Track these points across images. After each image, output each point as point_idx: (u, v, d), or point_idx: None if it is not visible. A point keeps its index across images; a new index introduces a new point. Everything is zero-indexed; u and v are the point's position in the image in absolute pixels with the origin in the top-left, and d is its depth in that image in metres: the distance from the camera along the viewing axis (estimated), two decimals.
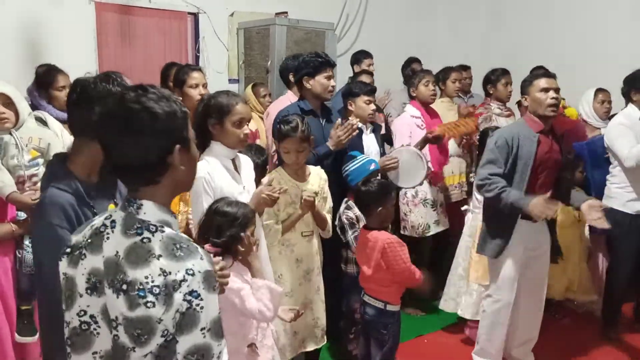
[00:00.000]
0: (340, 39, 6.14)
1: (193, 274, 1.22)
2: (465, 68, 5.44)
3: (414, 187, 3.92)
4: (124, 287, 1.22)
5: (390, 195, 2.86)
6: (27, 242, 2.54)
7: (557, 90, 3.09)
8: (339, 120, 3.29)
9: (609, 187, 3.75)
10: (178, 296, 1.20)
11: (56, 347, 1.62)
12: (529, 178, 3.04)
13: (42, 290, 1.70)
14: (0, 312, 2.52)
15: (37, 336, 2.50)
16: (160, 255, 1.23)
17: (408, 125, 4.08)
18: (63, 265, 1.38)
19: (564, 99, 3.84)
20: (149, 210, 1.30)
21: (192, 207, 2.46)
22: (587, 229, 4.08)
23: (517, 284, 3.21)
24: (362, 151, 3.51)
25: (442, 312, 4.22)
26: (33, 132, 2.60)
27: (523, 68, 4.27)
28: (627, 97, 3.75)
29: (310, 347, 3.04)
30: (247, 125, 2.50)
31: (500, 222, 3.12)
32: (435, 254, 4.38)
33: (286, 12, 5.34)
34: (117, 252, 1.26)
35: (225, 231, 2.12)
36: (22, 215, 2.53)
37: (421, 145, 3.85)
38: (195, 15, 5.40)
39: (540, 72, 3.21)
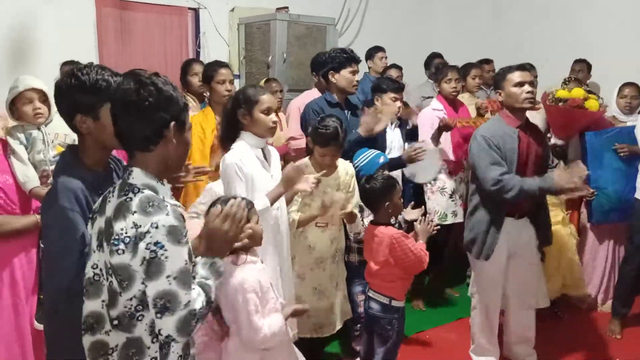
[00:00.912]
0: (341, 34, 6.12)
1: (157, 227, 1.43)
2: (487, 62, 5.44)
3: (425, 183, 3.98)
4: (109, 238, 1.47)
5: (395, 189, 2.84)
6: None
7: (531, 83, 3.02)
8: (366, 108, 3.43)
9: (638, 180, 3.73)
10: (142, 245, 1.43)
11: (59, 336, 1.70)
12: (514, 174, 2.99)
13: (49, 276, 1.75)
14: (22, 301, 2.60)
15: None
16: (135, 212, 1.45)
17: (430, 118, 4.09)
18: (89, 228, 1.61)
19: (592, 93, 3.82)
20: (137, 175, 1.53)
21: (225, 192, 2.54)
22: (585, 216, 4.07)
23: (505, 284, 3.19)
24: (384, 145, 3.64)
25: (444, 308, 4.23)
26: (59, 129, 2.63)
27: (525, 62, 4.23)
28: None
29: (326, 333, 3.14)
30: (275, 114, 2.66)
31: (487, 222, 3.07)
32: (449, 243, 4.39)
33: (287, 7, 5.32)
34: (112, 211, 1.50)
35: None
36: None
37: (436, 135, 3.89)
38: (195, 11, 5.39)
39: (513, 65, 3.08)
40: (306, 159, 3.09)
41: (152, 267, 1.42)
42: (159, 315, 1.45)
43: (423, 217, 2.89)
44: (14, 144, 2.58)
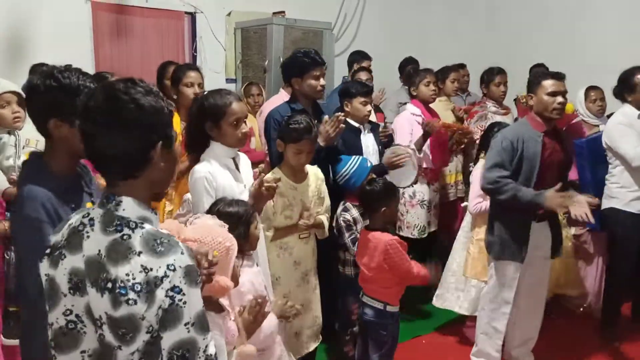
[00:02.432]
0: (337, 38, 6.13)
1: (174, 269, 1.21)
2: (462, 66, 5.43)
3: (404, 188, 3.89)
4: (109, 285, 1.21)
5: (395, 196, 2.85)
6: None
7: (564, 93, 3.04)
8: (326, 116, 3.25)
9: (609, 187, 3.72)
10: (160, 292, 1.20)
11: (37, 347, 1.61)
12: (535, 179, 3.02)
13: (23, 289, 1.67)
14: None
15: None
16: (140, 252, 1.22)
17: (409, 122, 4.07)
18: (44, 267, 1.35)
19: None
20: (128, 207, 1.28)
21: (193, 207, 2.44)
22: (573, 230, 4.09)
23: (517, 284, 3.20)
24: (360, 151, 3.48)
25: (440, 312, 4.21)
26: (31, 134, 2.56)
27: (519, 67, 4.25)
28: (621, 97, 3.74)
29: (312, 347, 3.04)
30: (245, 123, 2.47)
31: (513, 225, 3.10)
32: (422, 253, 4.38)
33: (283, 12, 5.33)
34: (99, 250, 1.25)
35: (232, 232, 2.10)
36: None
37: (421, 142, 3.87)
38: (192, 15, 5.39)
39: (548, 72, 3.11)
40: (276, 173, 2.90)
41: (169, 315, 1.21)
42: None
43: None
44: None
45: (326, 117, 3.24)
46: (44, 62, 3.73)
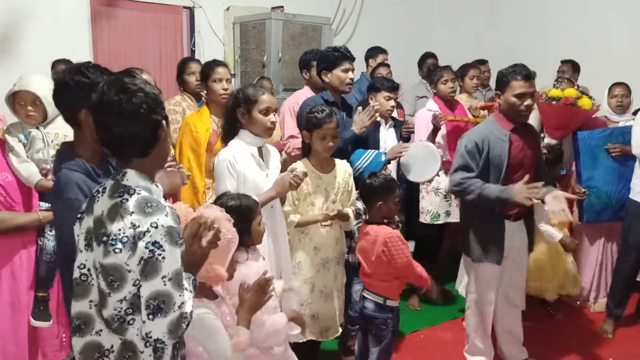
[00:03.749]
0: (336, 33, 6.13)
1: (156, 227, 1.42)
2: (482, 62, 5.46)
3: (423, 183, 4.00)
4: (104, 238, 1.45)
5: (393, 192, 2.83)
6: (48, 230, 2.64)
7: (532, 94, 2.98)
8: (360, 107, 3.40)
9: (634, 182, 3.76)
10: (141, 244, 1.41)
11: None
12: (505, 178, 3.01)
13: (66, 270, 1.79)
14: (20, 298, 2.63)
15: (50, 322, 2.65)
16: (132, 212, 1.44)
17: (425, 119, 4.12)
18: (77, 229, 1.61)
19: (584, 93, 3.84)
20: (131, 177, 1.52)
21: (216, 189, 2.57)
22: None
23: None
24: (377, 145, 3.63)
25: (438, 307, 4.24)
26: (60, 129, 2.66)
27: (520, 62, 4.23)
28: None
29: (332, 336, 3.13)
30: (274, 115, 2.66)
31: (486, 225, 3.11)
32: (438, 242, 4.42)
33: (282, 7, 5.32)
34: (102, 211, 1.49)
35: (234, 226, 2.10)
36: (45, 205, 2.62)
37: (431, 136, 3.96)
38: (190, 10, 5.37)
39: (519, 70, 2.97)
40: (301, 164, 2.99)
41: (149, 267, 1.41)
42: (150, 317, 1.43)
43: None
44: (12, 142, 2.59)
45: (360, 107, 3.41)
46: (43, 56, 3.75)
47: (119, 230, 1.43)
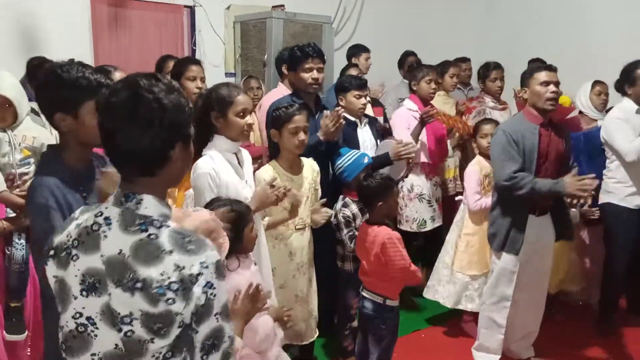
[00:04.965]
0: (337, 32, 6.11)
1: (207, 267, 1.23)
2: (464, 60, 5.42)
3: (402, 180, 3.92)
4: (138, 285, 1.21)
5: (392, 190, 2.83)
6: (16, 239, 2.53)
7: (557, 83, 3.07)
8: (327, 111, 3.26)
9: (606, 182, 3.73)
10: (197, 290, 1.22)
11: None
12: (535, 172, 3.04)
13: (40, 276, 1.75)
14: None
15: (25, 334, 2.53)
16: (171, 251, 1.22)
17: (406, 118, 4.07)
18: (51, 269, 1.34)
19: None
20: (150, 205, 1.28)
21: (195, 203, 2.43)
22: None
23: (518, 278, 3.22)
24: (357, 145, 3.49)
25: (439, 306, 4.22)
26: (28, 131, 2.59)
27: (519, 61, 4.26)
28: (622, 91, 3.74)
29: (308, 340, 3.04)
30: (250, 115, 2.50)
31: (510, 217, 3.13)
32: (428, 249, 4.36)
33: (283, 6, 5.30)
34: (121, 250, 1.24)
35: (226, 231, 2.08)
36: (12, 212, 2.53)
37: (417, 132, 3.87)
38: (191, 8, 5.37)
39: (540, 64, 3.18)
40: (270, 167, 2.91)
41: (204, 309, 1.24)
42: (204, 356, 1.26)
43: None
44: None
45: (326, 111, 3.23)
46: (43, 56, 3.74)
47: (162, 274, 1.20)
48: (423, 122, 3.85)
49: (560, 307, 4.16)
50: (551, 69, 3.12)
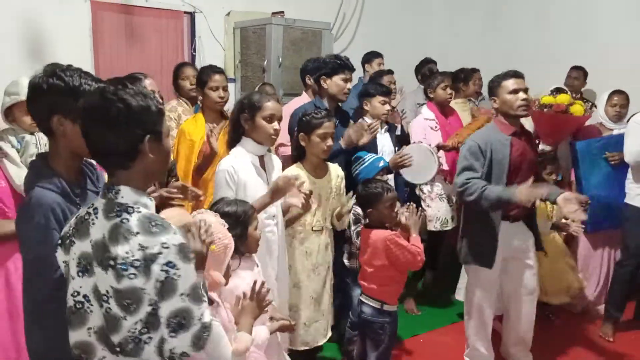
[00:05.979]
0: (336, 39, 6.14)
1: (168, 247, 1.38)
2: (474, 71, 5.46)
3: (425, 183, 4.00)
4: (111, 262, 1.38)
5: (381, 198, 2.85)
6: None
7: (525, 90, 3.07)
8: (356, 122, 3.40)
9: (628, 185, 3.81)
10: (155, 267, 1.37)
11: (43, 342, 1.67)
12: (506, 181, 3.03)
13: (27, 288, 1.70)
14: (18, 306, 2.48)
15: None
16: (138, 232, 1.39)
17: (422, 127, 4.14)
18: (60, 256, 1.54)
19: (585, 100, 3.83)
20: (126, 194, 1.46)
21: (214, 199, 2.51)
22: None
23: (504, 287, 3.23)
24: (376, 150, 3.60)
25: (437, 311, 4.24)
26: None
27: (520, 67, 4.23)
28: None
29: (320, 342, 3.10)
30: (278, 123, 2.63)
31: (482, 228, 3.11)
32: (433, 250, 4.39)
33: (282, 12, 5.34)
34: (103, 234, 1.41)
35: (230, 231, 2.10)
36: None
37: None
38: (191, 15, 5.40)
39: (507, 72, 3.13)
40: (296, 169, 2.97)
41: (166, 287, 1.39)
42: (173, 334, 1.42)
43: (408, 209, 2.84)
44: (5, 147, 2.54)
45: (361, 122, 3.41)
46: (47, 62, 3.76)
47: (127, 253, 1.37)
48: (441, 148, 3.96)
49: (560, 313, 4.17)
50: (518, 75, 3.10)
